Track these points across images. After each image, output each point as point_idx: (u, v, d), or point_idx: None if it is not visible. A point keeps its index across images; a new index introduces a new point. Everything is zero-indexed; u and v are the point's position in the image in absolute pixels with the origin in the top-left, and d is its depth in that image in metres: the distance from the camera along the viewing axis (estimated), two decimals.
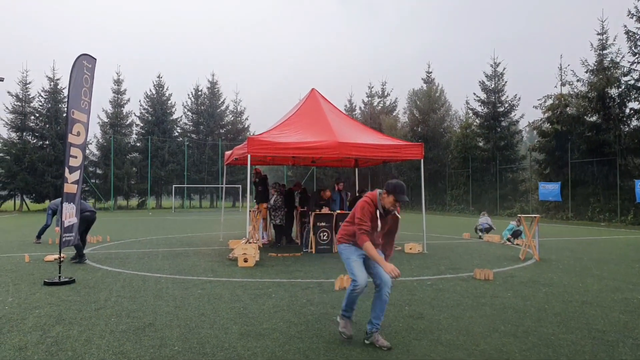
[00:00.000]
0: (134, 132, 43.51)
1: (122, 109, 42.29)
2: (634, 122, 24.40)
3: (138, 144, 42.76)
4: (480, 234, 14.12)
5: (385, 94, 47.89)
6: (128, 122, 42.79)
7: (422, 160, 11.33)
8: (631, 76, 23.87)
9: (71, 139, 7.09)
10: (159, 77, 44.88)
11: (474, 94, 34.94)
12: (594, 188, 24.91)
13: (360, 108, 49.35)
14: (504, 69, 34.20)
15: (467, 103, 35.95)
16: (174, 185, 38.21)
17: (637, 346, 4.10)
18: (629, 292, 6.33)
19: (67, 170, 7.04)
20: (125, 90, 42.43)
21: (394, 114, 46.29)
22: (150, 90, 44.41)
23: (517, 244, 12.22)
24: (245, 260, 8.36)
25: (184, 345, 4.03)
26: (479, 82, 34.61)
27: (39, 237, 12.40)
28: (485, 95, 34.52)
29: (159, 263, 8.76)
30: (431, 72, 43.36)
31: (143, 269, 8.01)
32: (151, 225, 19.26)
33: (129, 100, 42.68)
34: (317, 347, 4.03)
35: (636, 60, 23.40)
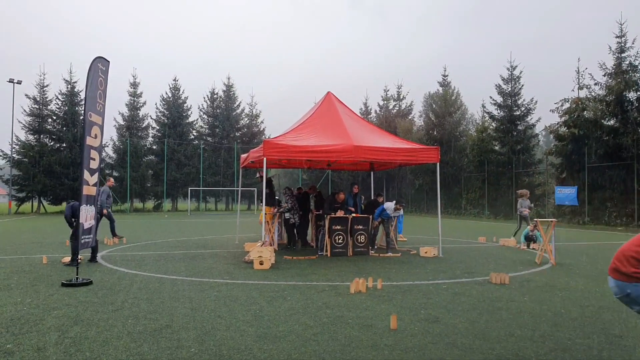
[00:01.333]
0: (150, 134, 44.02)
1: (139, 111, 42.84)
2: None
3: (154, 147, 43.24)
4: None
5: (401, 97, 47.78)
6: (144, 125, 43.32)
7: (437, 164, 11.29)
8: None
9: (89, 141, 7.23)
10: (175, 80, 45.38)
11: (490, 97, 34.63)
12: (611, 192, 24.51)
13: (375, 111, 49.31)
14: (521, 72, 33.85)
15: (483, 106, 35.66)
16: (189, 188, 38.56)
17: None
18: None
19: (86, 172, 7.17)
20: (141, 93, 42.97)
21: (409, 117, 46.15)
22: (167, 93, 44.91)
23: (533, 249, 12.08)
24: (261, 263, 8.42)
25: (200, 347, 4.09)
26: (496, 85, 34.32)
27: (114, 234, 13.29)
28: (501, 99, 34.20)
29: (175, 265, 8.86)
30: (447, 75, 43.14)
31: (159, 271, 8.12)
32: (167, 228, 19.46)
33: (145, 103, 43.22)
34: (332, 349, 4.06)
35: None
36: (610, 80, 25.06)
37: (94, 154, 7.35)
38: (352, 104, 13.53)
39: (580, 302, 5.93)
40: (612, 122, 25.41)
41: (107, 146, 40.43)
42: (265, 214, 10.65)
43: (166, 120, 43.87)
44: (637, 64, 24.22)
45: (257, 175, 12.64)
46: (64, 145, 37.12)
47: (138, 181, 39.36)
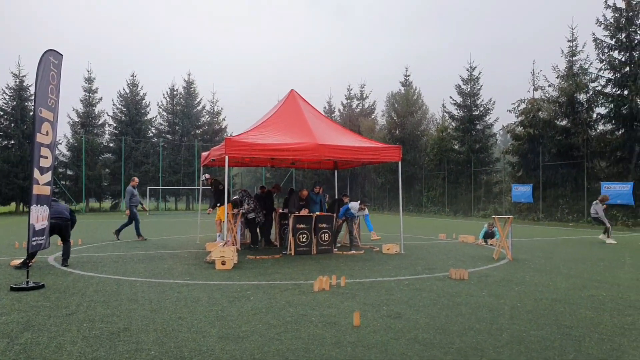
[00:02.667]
0: (107, 132, 42.65)
1: (94, 108, 41.40)
2: (600, 127, 25.26)
3: (111, 145, 41.93)
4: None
5: (364, 96, 48.23)
6: (100, 122, 41.93)
7: (399, 163, 11.45)
8: (598, 82, 24.67)
9: (40, 138, 6.89)
10: (133, 75, 44.13)
11: (450, 97, 35.51)
12: (563, 190, 25.64)
13: (339, 110, 49.59)
14: (480, 73, 34.91)
15: (444, 106, 36.53)
16: (148, 187, 37.59)
17: (602, 340, 4.24)
18: (595, 290, 6.54)
19: (36, 171, 6.84)
20: (97, 88, 41.56)
21: (372, 116, 46.65)
22: (124, 89, 43.64)
23: (490, 244, 12.46)
24: (223, 263, 8.30)
25: (160, 350, 3.98)
26: (455, 85, 35.21)
27: (139, 234, 13.53)
28: (461, 99, 35.11)
29: (134, 266, 8.61)
30: (409, 76, 43.91)
31: (117, 273, 7.87)
32: (125, 228, 18.87)
33: (101, 99, 41.82)
34: (296, 348, 4.04)
35: (603, 67, 24.20)
36: (562, 83, 26.16)
37: (45, 151, 7.03)
38: (315, 102, 13.54)
39: (534, 296, 6.15)
40: (564, 122, 26.55)
41: (61, 144, 38.86)
42: (228, 213, 10.51)
43: (124, 117, 42.62)
44: (586, 67, 25.39)
45: (203, 178, 12.44)
46: (13, 142, 35.40)
47: (94, 180, 38.07)
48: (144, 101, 44.10)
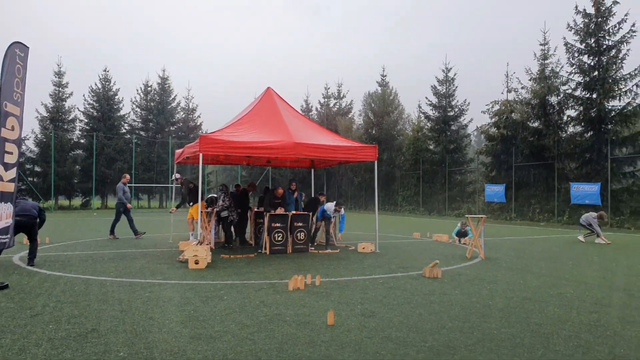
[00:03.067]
0: (78, 128, 41.53)
1: (64, 102, 40.22)
2: (570, 129, 25.94)
3: (82, 141, 40.86)
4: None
5: (342, 95, 48.34)
6: (71, 118, 40.76)
7: (375, 162, 11.50)
8: (569, 85, 25.35)
9: (5, 133, 6.65)
10: (105, 70, 43.14)
11: (426, 98, 35.92)
12: (535, 190, 26.25)
13: (316, 109, 49.57)
14: (455, 74, 35.38)
15: (419, 107, 36.92)
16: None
17: (569, 337, 4.34)
18: (563, 287, 6.70)
19: (1, 167, 6.61)
20: (67, 83, 40.41)
21: (349, 115, 46.80)
22: (96, 84, 42.61)
23: (464, 244, 12.64)
24: (197, 262, 8.18)
25: (129, 351, 3.89)
26: (431, 86, 35.62)
27: (112, 232, 13.22)
28: (436, 100, 35.53)
29: (104, 266, 8.41)
30: (386, 76, 44.19)
31: (86, 272, 7.67)
32: (96, 227, 18.50)
33: (71, 94, 40.64)
34: (269, 348, 4.00)
35: (573, 71, 24.86)
36: (535, 85, 26.76)
37: (10, 147, 6.79)
38: (293, 100, 13.48)
39: (506, 294, 6.25)
40: (536, 124, 27.16)
41: (28, 139, 37.66)
42: (202, 211, 10.37)
43: (95, 113, 41.61)
44: (558, 70, 26.04)
45: (173, 177, 12.28)
46: None
47: (64, 177, 37.06)
48: (116, 97, 43.14)
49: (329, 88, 48.94)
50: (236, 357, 3.77)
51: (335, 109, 47.69)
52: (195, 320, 4.82)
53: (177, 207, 12.62)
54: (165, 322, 4.75)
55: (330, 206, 11.29)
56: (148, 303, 5.56)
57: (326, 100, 48.64)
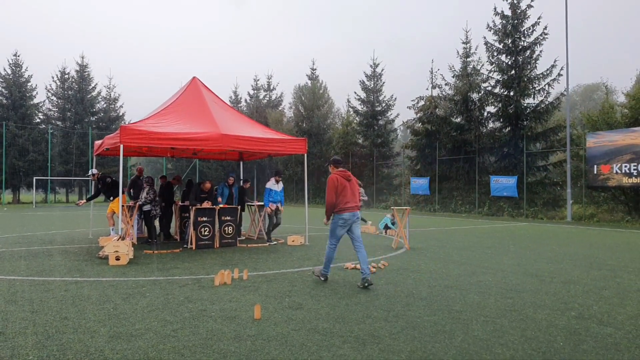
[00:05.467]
0: None
1: None
2: (490, 125, 27.54)
3: None
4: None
5: (272, 87, 47.98)
6: None
7: (305, 155, 11.52)
8: (489, 83, 26.86)
9: None
10: (15, 55, 39.79)
11: (355, 92, 36.60)
12: (457, 183, 27.65)
13: (246, 101, 48.85)
14: (382, 70, 36.31)
15: (349, 101, 37.62)
16: (35, 178, 34.24)
17: (487, 322, 4.61)
18: (482, 275, 7.11)
19: None
20: None
21: (279, 108, 46.59)
22: (5, 69, 39.22)
23: (390, 234, 13.05)
24: (117, 259, 7.79)
25: (40, 354, 3.62)
26: (360, 81, 36.31)
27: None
28: (365, 95, 36.28)
29: (14, 264, 7.78)
30: (315, 69, 44.43)
31: None
32: (6, 222, 17.07)
33: None
34: (193, 344, 3.89)
35: (493, 69, 26.37)
36: (457, 82, 28.08)
37: None
38: (220, 91, 13.13)
39: (429, 283, 6.52)
40: (459, 119, 28.54)
41: None
42: (123, 205, 9.87)
43: (5, 101, 38.37)
44: (479, 68, 27.51)
45: (90, 173, 11.59)
46: None
47: None
48: (29, 84, 40.02)
49: (258, 80, 48.49)
50: (158, 355, 3.63)
51: (265, 101, 47.32)
52: (114, 319, 4.58)
53: (88, 200, 11.78)
54: (82, 321, 4.48)
55: (271, 182, 10.97)
56: (63, 302, 5.21)
57: (255, 92, 48.12)
